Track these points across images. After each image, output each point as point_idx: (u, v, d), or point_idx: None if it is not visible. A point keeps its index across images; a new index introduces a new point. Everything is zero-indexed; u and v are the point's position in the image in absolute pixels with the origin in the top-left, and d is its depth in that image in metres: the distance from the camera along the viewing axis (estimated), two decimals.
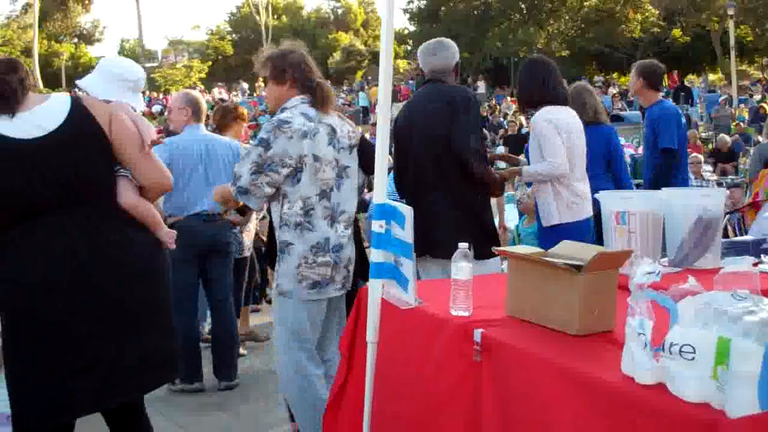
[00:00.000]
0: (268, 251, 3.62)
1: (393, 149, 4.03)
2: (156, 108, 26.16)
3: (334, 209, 3.26)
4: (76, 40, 47.28)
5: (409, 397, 2.32)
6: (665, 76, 25.93)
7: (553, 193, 4.06)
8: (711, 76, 32.44)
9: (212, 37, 49.52)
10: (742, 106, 21.62)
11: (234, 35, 49.17)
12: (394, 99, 13.68)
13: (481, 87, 29.50)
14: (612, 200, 2.69)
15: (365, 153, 3.37)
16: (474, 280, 2.25)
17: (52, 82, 37.89)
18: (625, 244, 2.55)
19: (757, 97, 22.97)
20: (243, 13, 48.28)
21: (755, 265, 2.04)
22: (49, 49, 42.74)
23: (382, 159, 2.61)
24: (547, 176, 4.01)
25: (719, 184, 9.79)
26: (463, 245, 2.27)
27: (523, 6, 35.83)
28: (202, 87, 34.70)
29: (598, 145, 4.83)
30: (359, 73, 42.43)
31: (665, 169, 5.09)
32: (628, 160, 8.05)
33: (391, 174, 4.16)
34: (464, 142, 3.72)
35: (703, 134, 18.34)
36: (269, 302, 6.62)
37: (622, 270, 2.10)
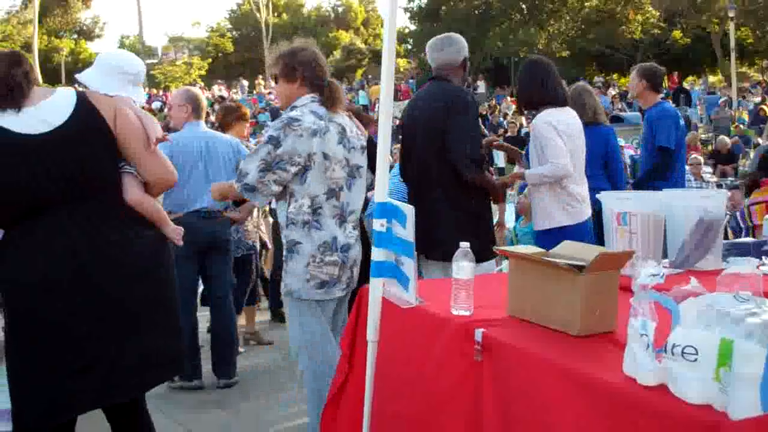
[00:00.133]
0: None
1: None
2: (156, 105, 26.11)
3: (343, 209, 3.26)
4: (76, 36, 47.23)
5: (410, 397, 2.32)
6: (665, 77, 26.02)
7: (551, 195, 4.03)
8: (711, 78, 32.44)
9: (212, 34, 49.45)
10: (741, 108, 21.64)
11: (234, 33, 49.10)
12: (395, 98, 13.64)
13: (481, 87, 29.46)
14: (613, 201, 2.69)
15: (370, 152, 3.38)
16: (475, 280, 2.25)
17: (51, 77, 37.80)
18: (626, 245, 2.55)
19: (756, 99, 22.95)
20: (243, 10, 48.21)
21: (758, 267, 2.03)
22: (49, 44, 42.67)
23: (384, 157, 2.60)
24: (551, 178, 3.97)
25: (719, 186, 9.79)
26: (464, 244, 2.26)
27: (523, 6, 35.79)
28: (202, 84, 34.65)
29: (597, 145, 4.84)
30: (359, 72, 42.41)
31: (660, 167, 5.13)
32: (627, 161, 8.05)
33: (391, 171, 4.17)
34: (458, 151, 3.72)
35: (703, 136, 18.34)
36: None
37: (622, 271, 2.10)
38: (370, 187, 3.44)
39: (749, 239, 3.22)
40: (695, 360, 1.44)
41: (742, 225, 5.39)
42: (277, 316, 6.53)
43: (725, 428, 1.36)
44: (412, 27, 39.82)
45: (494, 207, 4.40)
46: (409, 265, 2.40)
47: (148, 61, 39.92)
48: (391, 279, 2.52)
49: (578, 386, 1.70)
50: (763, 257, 2.73)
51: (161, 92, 32.93)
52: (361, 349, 2.63)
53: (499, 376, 1.97)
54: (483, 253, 3.42)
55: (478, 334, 2.05)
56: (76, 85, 3.73)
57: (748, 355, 1.36)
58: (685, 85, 26.71)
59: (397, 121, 10.03)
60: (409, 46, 39.09)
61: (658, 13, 32.97)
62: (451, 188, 3.79)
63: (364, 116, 4.50)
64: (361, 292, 2.73)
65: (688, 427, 1.43)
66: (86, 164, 2.63)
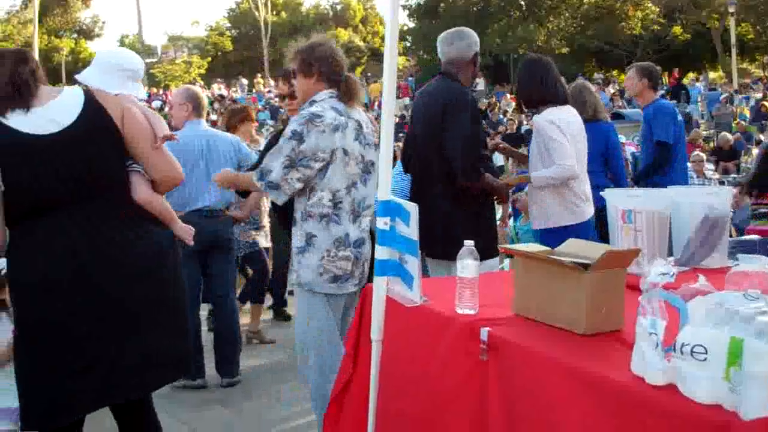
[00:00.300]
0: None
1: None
2: (156, 103, 26.05)
3: (357, 204, 3.27)
4: (75, 35, 47.16)
5: (415, 395, 2.31)
6: (666, 74, 25.96)
7: (557, 195, 4.00)
8: (711, 74, 32.38)
9: (211, 33, 49.36)
10: (743, 104, 21.59)
11: (233, 31, 49.02)
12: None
13: (481, 84, 29.39)
14: (618, 198, 2.67)
15: None
16: (480, 278, 2.24)
17: (52, 77, 37.69)
18: (632, 243, 2.54)
19: (758, 95, 22.90)
20: (242, 9, 48.13)
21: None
22: (49, 44, 42.60)
23: (387, 155, 2.59)
24: (558, 180, 3.93)
25: (721, 183, 9.77)
26: (468, 243, 2.25)
27: (522, 3, 35.75)
28: (202, 83, 34.60)
29: (597, 142, 4.83)
30: (358, 70, 42.34)
31: (659, 162, 5.13)
32: (629, 157, 8.04)
33: (394, 170, 4.15)
34: (453, 149, 3.70)
35: (704, 133, 18.30)
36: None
37: (627, 269, 2.08)
38: None
39: (756, 237, 3.20)
40: (705, 359, 1.43)
41: None
42: (280, 315, 6.52)
43: (736, 428, 1.35)
44: (411, 24, 39.78)
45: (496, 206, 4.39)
46: (413, 264, 2.38)
47: (148, 60, 39.91)
48: (395, 277, 2.50)
49: (584, 385, 1.69)
50: None
51: (161, 91, 32.88)
52: (365, 348, 2.61)
53: (504, 375, 1.96)
54: (486, 250, 3.40)
55: (484, 332, 2.04)
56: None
57: (758, 354, 1.35)
58: (685, 81, 26.63)
59: (396, 119, 10.03)
60: (408, 44, 39.03)
61: (657, 9, 32.93)
62: (452, 185, 3.77)
63: None
64: (365, 291, 2.72)
65: (697, 427, 1.42)
66: (94, 164, 2.62)
